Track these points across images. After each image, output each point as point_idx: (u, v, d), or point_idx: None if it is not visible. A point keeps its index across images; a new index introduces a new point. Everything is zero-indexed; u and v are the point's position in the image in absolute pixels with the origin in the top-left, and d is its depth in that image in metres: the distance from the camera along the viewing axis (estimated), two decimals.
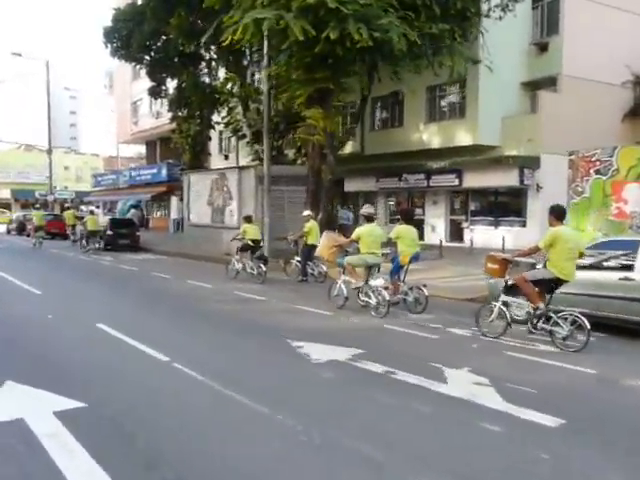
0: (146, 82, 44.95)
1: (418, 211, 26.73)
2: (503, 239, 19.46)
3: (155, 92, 32.91)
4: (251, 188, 19.13)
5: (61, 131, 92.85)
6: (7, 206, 59.59)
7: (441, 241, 20.93)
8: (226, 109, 25.45)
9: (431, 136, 24.27)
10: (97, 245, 22.53)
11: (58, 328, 8.26)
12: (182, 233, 33.40)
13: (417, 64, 16.87)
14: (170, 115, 40.19)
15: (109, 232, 23.10)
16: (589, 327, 6.90)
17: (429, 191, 25.74)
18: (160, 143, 45.92)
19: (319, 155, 17.02)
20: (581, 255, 7.61)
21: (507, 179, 22.34)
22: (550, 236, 7.14)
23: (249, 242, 13.83)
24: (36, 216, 26.63)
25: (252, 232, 13.98)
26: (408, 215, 11.16)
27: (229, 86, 25.26)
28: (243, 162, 30.25)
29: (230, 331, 8.35)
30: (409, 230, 10.12)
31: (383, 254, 10.17)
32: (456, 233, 25.01)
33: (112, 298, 11.42)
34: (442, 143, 23.68)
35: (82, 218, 25.47)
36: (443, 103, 24.11)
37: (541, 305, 7.26)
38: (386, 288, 9.54)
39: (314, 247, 12.32)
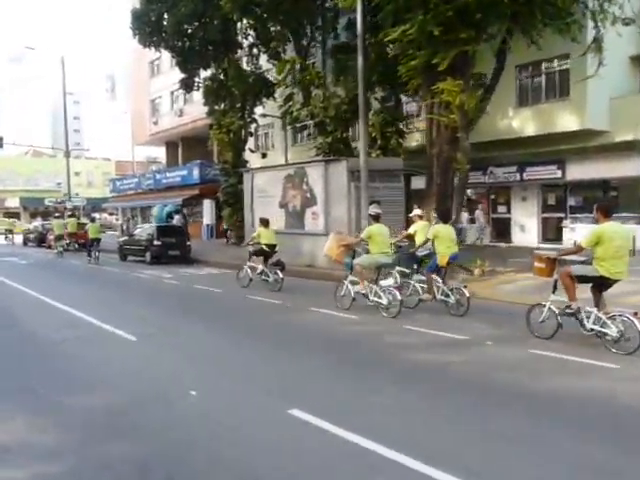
0: (167, 78, 41.51)
1: (502, 209, 23.32)
2: None
3: (187, 84, 29.23)
4: (342, 185, 15.50)
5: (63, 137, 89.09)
6: (16, 215, 55.78)
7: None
8: (282, 97, 21.81)
9: (524, 122, 20.69)
10: (97, 253, 20.47)
11: (234, 424, 4.63)
12: (218, 240, 30.02)
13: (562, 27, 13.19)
14: (195, 112, 37.00)
15: (157, 242, 19.44)
16: None
17: (517, 186, 22.21)
18: (182, 143, 42.31)
19: (449, 140, 13.46)
20: (632, 253, 7.21)
21: (623, 169, 18.88)
22: (594, 234, 6.76)
23: (264, 247, 12.83)
24: (70, 225, 22.58)
25: (267, 236, 13.02)
26: (445, 215, 10.33)
27: (286, 71, 21.63)
28: (294, 159, 26.80)
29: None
30: (447, 230, 9.61)
31: (419, 256, 10.04)
32: (551, 233, 21.49)
33: (261, 352, 7.24)
34: (538, 130, 20.13)
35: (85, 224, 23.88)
36: (538, 84, 20.51)
37: (574, 304, 7.03)
38: (398, 288, 9.33)
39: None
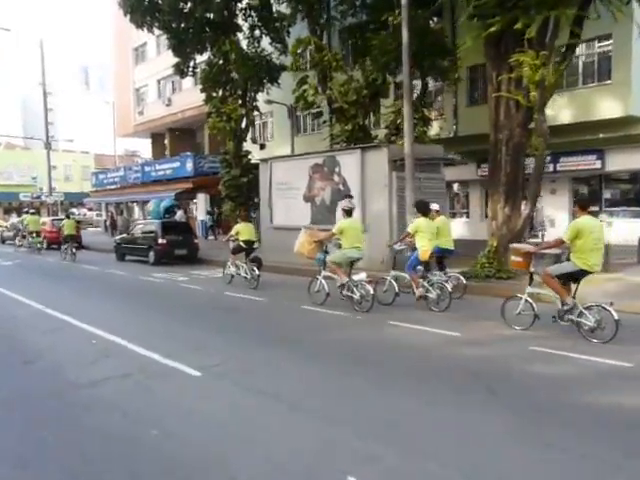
0: (154, 65, 38.93)
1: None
2: None
3: (181, 70, 26.88)
4: (382, 176, 13.62)
5: (37, 129, 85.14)
6: None
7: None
8: (295, 81, 19.74)
9: (556, 109, 19.03)
10: (73, 250, 19.42)
11: None
12: (215, 239, 27.91)
13: None
14: (184, 101, 34.46)
15: (161, 241, 17.26)
16: (617, 318, 6.62)
17: (546, 178, 20.55)
18: (170, 135, 39.84)
19: (522, 122, 11.65)
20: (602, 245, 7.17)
21: None
22: (574, 227, 6.92)
23: (241, 244, 12.53)
24: (67, 226, 19.92)
25: (246, 232, 12.65)
26: (425, 208, 9.59)
27: (300, 51, 19.62)
28: (299, 150, 24.78)
29: None
30: (428, 223, 9.36)
31: (397, 250, 9.90)
32: None
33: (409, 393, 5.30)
34: (574, 117, 18.55)
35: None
36: (575, 67, 18.87)
37: (569, 300, 7.05)
38: (369, 282, 9.17)
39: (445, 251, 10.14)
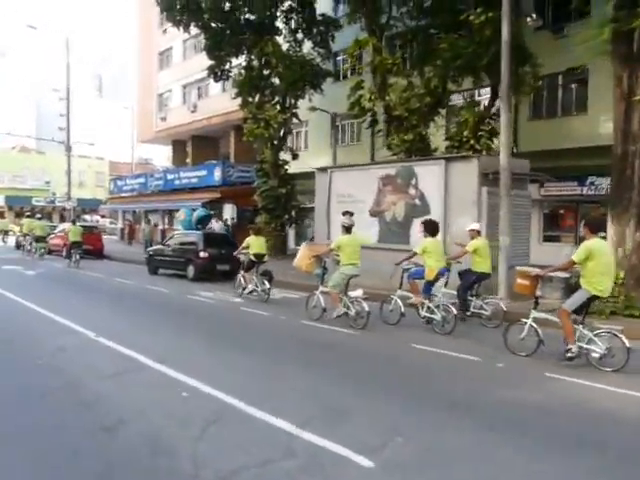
0: (179, 70, 37.41)
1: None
2: None
3: (215, 73, 25.27)
4: (469, 190, 11.83)
5: (51, 133, 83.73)
6: (0, 214, 50.62)
7: None
8: (351, 85, 18.06)
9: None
10: (77, 256, 19.14)
11: None
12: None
13: None
14: (210, 108, 32.58)
15: (203, 254, 15.46)
16: (628, 345, 6.37)
17: None
18: (193, 142, 38.22)
19: None
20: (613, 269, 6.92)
21: None
22: (585, 249, 6.53)
23: (252, 257, 12.27)
24: (72, 232, 18.96)
25: (257, 246, 12.33)
26: (433, 228, 9.45)
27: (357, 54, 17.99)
28: (338, 162, 23.07)
29: None
30: (436, 243, 9.28)
31: (404, 269, 9.58)
32: None
33: None
34: None
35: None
36: None
37: (574, 348, 6.63)
38: (365, 299, 9.03)
39: (483, 275, 9.60)
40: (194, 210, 22.07)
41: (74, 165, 57.86)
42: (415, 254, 9.20)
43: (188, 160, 39.84)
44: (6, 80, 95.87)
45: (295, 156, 26.31)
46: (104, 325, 8.57)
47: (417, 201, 12.77)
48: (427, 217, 12.56)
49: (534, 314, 7.26)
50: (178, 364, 6.26)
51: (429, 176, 12.48)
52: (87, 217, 53.43)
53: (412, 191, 12.88)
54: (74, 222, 21.87)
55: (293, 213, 22.88)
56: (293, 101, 23.31)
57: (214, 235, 17.40)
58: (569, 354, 6.64)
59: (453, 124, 17.41)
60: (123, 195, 37.98)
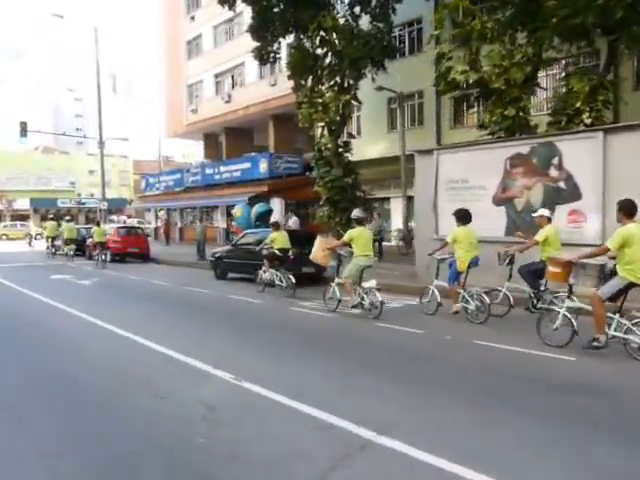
0: (210, 58, 35.09)
1: None
2: None
3: (262, 55, 22.93)
4: (638, 168, 9.47)
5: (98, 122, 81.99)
6: (25, 218, 48.92)
7: None
8: (435, 54, 15.66)
9: None
10: (103, 257, 19.72)
11: None
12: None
13: None
14: (245, 97, 30.08)
15: (286, 254, 13.23)
16: None
17: None
18: (227, 135, 36.01)
19: None
20: None
21: None
22: (620, 235, 6.18)
23: (276, 252, 12.23)
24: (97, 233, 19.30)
25: (281, 241, 12.35)
26: (465, 216, 9.07)
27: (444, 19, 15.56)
28: (394, 148, 20.70)
29: None
30: (467, 232, 8.90)
31: (440, 260, 9.38)
32: None
33: None
34: None
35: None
36: None
37: (602, 338, 6.29)
38: (379, 289, 9.15)
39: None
40: (249, 205, 19.79)
41: (98, 164, 56.12)
42: (447, 244, 9.08)
43: (223, 154, 37.75)
44: (23, 82, 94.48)
45: (347, 143, 23.93)
46: (233, 361, 6.41)
47: (562, 184, 10.43)
48: (577, 202, 10.34)
49: (567, 303, 6.92)
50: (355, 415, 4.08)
51: (579, 153, 10.13)
52: (114, 217, 51.57)
53: (554, 172, 10.54)
54: (99, 224, 21.78)
55: (360, 205, 20.55)
56: (352, 82, 20.98)
57: (297, 233, 15.09)
58: (595, 343, 6.31)
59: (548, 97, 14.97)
60: (156, 193, 35.91)
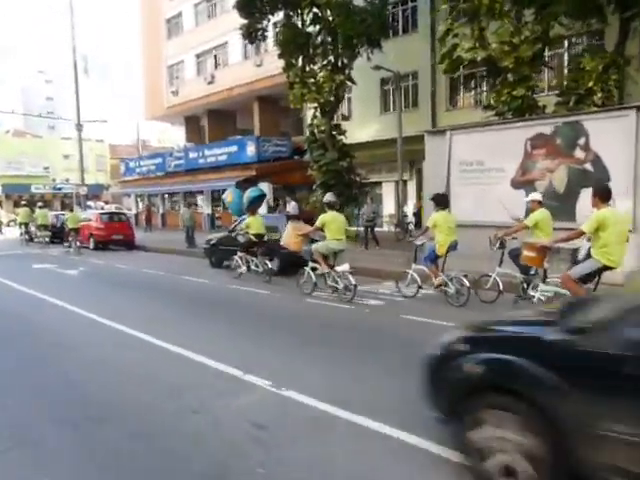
0: (192, 37, 33.68)
1: None
2: None
3: (250, 33, 21.87)
4: None
5: (38, 119, 79.23)
6: None
7: None
8: (443, 29, 14.88)
9: None
10: (77, 243, 19.60)
11: None
12: None
13: None
14: (230, 78, 28.86)
15: (261, 239, 12.51)
16: None
17: None
18: (209, 118, 34.79)
19: None
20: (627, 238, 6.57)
21: None
22: (596, 219, 6.28)
23: (252, 237, 12.03)
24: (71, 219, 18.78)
25: (256, 226, 12.13)
26: (442, 201, 9.25)
27: None
28: (387, 131, 19.99)
29: None
30: (446, 217, 8.96)
31: (418, 245, 9.52)
32: None
33: None
34: None
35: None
36: None
37: None
38: (351, 273, 9.37)
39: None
40: (240, 190, 18.84)
41: (73, 148, 54.15)
42: (428, 228, 9.11)
43: (200, 137, 36.54)
44: None
45: (338, 126, 23.11)
46: (261, 362, 5.67)
47: (588, 166, 9.87)
48: (603, 184, 9.79)
49: (542, 287, 7.09)
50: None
51: (608, 133, 9.56)
52: (91, 203, 49.83)
53: (580, 153, 9.97)
54: (72, 209, 22.30)
55: (355, 190, 19.86)
56: (346, 61, 20.13)
57: (298, 218, 14.30)
58: None
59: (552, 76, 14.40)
60: (136, 178, 34.61)
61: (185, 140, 37.72)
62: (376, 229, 18.60)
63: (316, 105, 20.23)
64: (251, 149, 25.44)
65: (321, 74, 19.92)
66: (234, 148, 26.54)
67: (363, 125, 24.24)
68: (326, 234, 9.68)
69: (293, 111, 25.23)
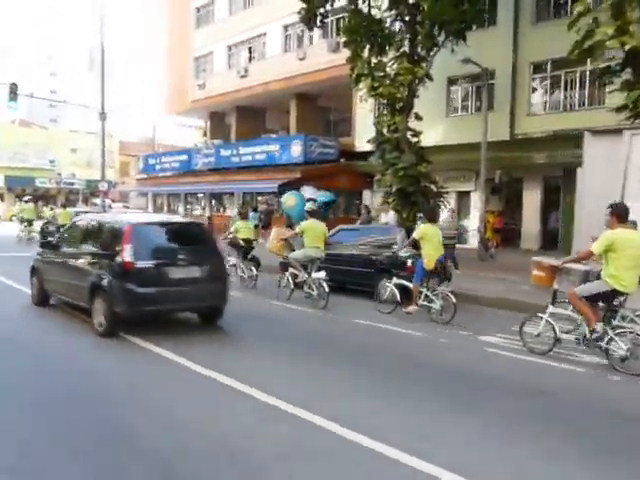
0: (223, 27, 30.86)
1: None
2: None
3: (310, 19, 19.25)
4: None
5: (41, 111, 76.21)
6: None
7: None
8: (582, 9, 12.26)
9: None
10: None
11: None
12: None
13: None
14: (264, 72, 25.88)
15: (410, 261, 9.71)
16: None
17: None
18: (238, 114, 31.98)
19: None
20: None
21: None
22: (606, 239, 5.93)
23: (240, 242, 11.84)
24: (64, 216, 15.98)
25: (245, 231, 11.98)
26: (432, 214, 9.18)
27: None
28: (453, 136, 17.36)
29: None
30: (435, 230, 8.73)
31: (402, 257, 9.38)
32: None
33: None
34: None
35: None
36: None
37: (598, 326, 6.07)
38: (326, 280, 9.29)
39: None
40: (296, 192, 16.01)
41: (80, 143, 51.13)
42: (415, 240, 8.75)
43: (224, 135, 33.78)
44: None
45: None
46: None
47: None
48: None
49: (551, 309, 6.68)
50: None
51: None
52: (97, 201, 46.81)
53: None
54: (65, 206, 21.76)
55: (431, 199, 17.14)
56: (424, 53, 17.54)
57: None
58: (595, 335, 6.05)
59: None
60: (159, 175, 31.72)
61: (209, 137, 34.86)
62: (459, 245, 15.87)
63: (386, 101, 17.62)
64: (297, 149, 22.71)
65: (394, 66, 17.33)
66: (275, 147, 23.80)
67: (427, 127, 21.59)
68: (304, 241, 9.69)
69: (331, 111, 22.69)
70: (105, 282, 6.84)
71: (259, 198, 25.37)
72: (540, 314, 6.72)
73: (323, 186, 23.56)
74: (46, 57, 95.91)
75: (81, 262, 7.54)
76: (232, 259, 11.74)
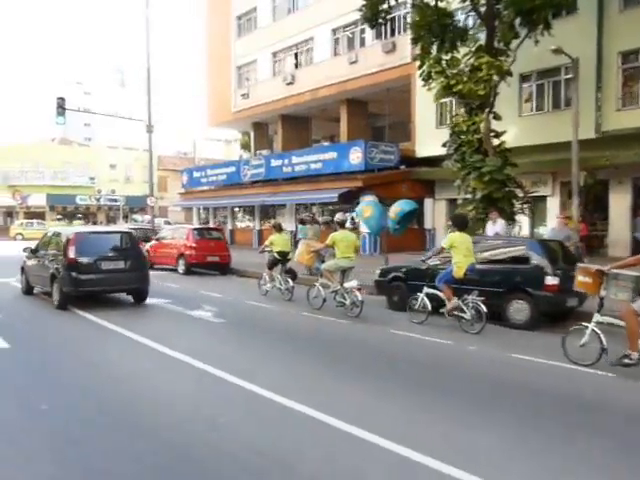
0: (267, 34, 29.76)
1: None
2: None
3: (373, 15, 17.91)
4: None
5: (75, 129, 76.72)
6: (41, 215, 43.43)
7: None
8: None
9: None
10: None
11: None
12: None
13: None
14: (312, 78, 24.32)
15: (551, 281, 8.20)
16: None
17: None
18: (283, 123, 30.77)
19: None
20: None
21: None
22: None
23: (276, 255, 11.73)
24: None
25: (281, 243, 11.86)
26: (461, 222, 8.88)
27: None
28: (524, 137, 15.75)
29: None
30: (464, 238, 8.48)
31: (430, 265, 9.25)
32: None
33: None
34: None
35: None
36: None
37: (635, 355, 5.66)
38: (359, 289, 9.41)
39: None
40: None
41: (119, 158, 50.75)
42: (443, 249, 8.54)
43: (268, 146, 32.64)
44: (26, 75, 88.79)
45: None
46: None
47: None
48: None
49: (597, 318, 6.24)
50: None
51: None
52: (137, 217, 46.22)
53: None
54: (95, 223, 22.40)
55: (517, 205, 15.48)
56: (503, 46, 16.03)
57: (551, 245, 9.73)
58: (627, 360, 5.71)
59: None
60: (204, 189, 30.70)
61: (253, 148, 33.74)
62: None
63: (462, 100, 16.13)
64: (357, 156, 21.29)
65: (469, 61, 15.84)
66: (332, 155, 22.44)
67: (500, 129, 19.97)
68: (336, 252, 9.87)
69: (380, 117, 21.19)
70: (58, 272, 9.95)
71: (307, 211, 24.04)
72: (585, 324, 6.38)
73: (384, 195, 22.01)
74: (79, 76, 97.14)
75: (47, 261, 10.63)
76: (269, 273, 11.86)
